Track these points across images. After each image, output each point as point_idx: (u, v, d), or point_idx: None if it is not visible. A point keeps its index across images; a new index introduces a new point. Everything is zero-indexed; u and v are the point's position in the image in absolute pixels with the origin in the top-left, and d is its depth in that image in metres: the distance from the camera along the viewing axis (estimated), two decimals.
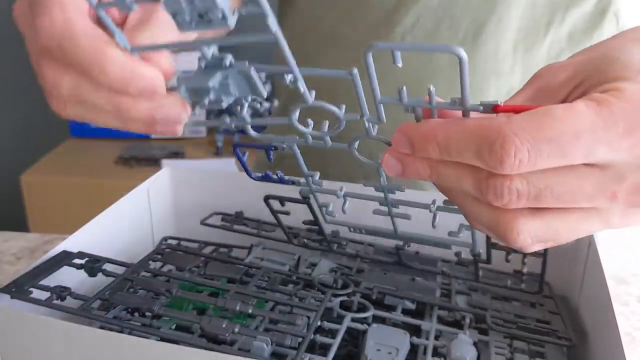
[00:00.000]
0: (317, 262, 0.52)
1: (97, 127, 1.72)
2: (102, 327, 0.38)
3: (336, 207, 0.44)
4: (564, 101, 0.32)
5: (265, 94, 0.34)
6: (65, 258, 0.44)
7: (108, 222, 0.51)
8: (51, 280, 0.41)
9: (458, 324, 0.45)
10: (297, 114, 0.36)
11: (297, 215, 0.52)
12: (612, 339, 0.37)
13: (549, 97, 0.32)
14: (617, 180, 0.29)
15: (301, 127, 0.37)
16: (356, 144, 0.38)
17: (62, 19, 0.32)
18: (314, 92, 0.34)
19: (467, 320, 0.44)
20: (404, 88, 0.32)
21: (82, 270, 0.43)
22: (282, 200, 0.48)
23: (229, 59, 0.32)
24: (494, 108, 0.31)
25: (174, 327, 0.39)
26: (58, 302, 0.39)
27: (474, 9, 0.66)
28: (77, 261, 0.44)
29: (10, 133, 2.04)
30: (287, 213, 0.49)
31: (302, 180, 0.43)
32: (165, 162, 1.61)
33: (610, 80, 0.29)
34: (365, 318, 0.43)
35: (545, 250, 0.42)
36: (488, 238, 0.43)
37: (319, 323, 0.41)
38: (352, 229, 0.47)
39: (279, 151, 0.41)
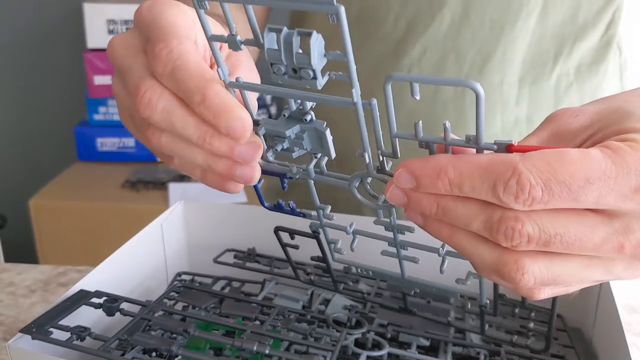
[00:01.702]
0: (330, 297, 0.52)
1: (103, 150, 1.75)
2: None
3: (345, 243, 0.44)
4: (578, 147, 0.32)
5: (333, 156, 0.36)
6: (83, 297, 0.44)
7: (124, 258, 0.51)
8: (70, 319, 0.41)
9: None
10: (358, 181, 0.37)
11: (307, 250, 0.52)
12: None
13: (564, 142, 0.33)
14: (625, 232, 0.29)
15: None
16: (357, 183, 0.38)
17: (179, 50, 0.35)
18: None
19: (482, 357, 0.45)
20: (420, 123, 0.32)
21: (100, 309, 0.44)
22: (291, 233, 0.48)
23: (310, 115, 0.34)
24: (507, 147, 0.31)
25: None
26: (78, 342, 0.39)
27: (480, 41, 0.67)
28: (95, 300, 0.44)
29: (18, 157, 2.06)
30: (296, 247, 0.49)
31: (313, 213, 0.43)
32: (172, 186, 1.62)
33: (626, 132, 0.30)
34: (380, 356, 0.44)
35: (554, 304, 0.42)
36: (495, 289, 0.43)
37: None
38: (359, 270, 0.46)
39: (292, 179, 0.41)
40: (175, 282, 0.53)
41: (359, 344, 0.45)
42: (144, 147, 1.79)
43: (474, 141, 0.31)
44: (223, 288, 0.55)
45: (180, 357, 0.39)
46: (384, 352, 0.44)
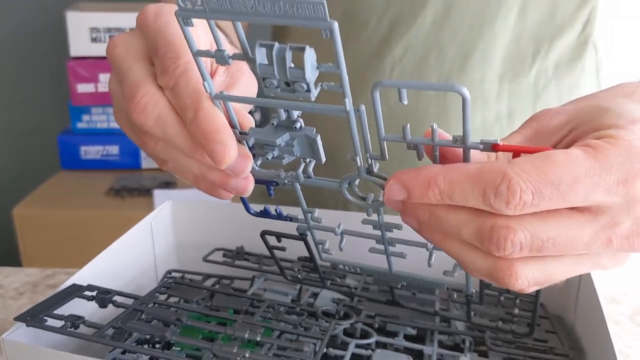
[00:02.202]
0: (319, 291, 0.53)
1: (87, 158, 1.75)
2: (114, 359, 0.40)
3: (333, 243, 0.45)
4: (557, 143, 0.34)
5: (324, 160, 0.37)
6: (75, 291, 0.45)
7: (113, 256, 0.52)
8: (63, 311, 0.42)
9: (458, 348, 0.46)
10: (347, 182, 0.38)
11: (296, 249, 0.52)
12: (608, 357, 0.39)
13: (545, 139, 0.34)
14: (612, 226, 0.30)
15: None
16: (346, 184, 0.38)
17: (185, 67, 0.36)
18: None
19: (467, 344, 0.46)
20: (408, 126, 0.33)
21: (93, 302, 0.44)
22: (278, 236, 0.48)
23: (299, 122, 0.35)
24: (493, 146, 0.32)
25: (184, 357, 0.40)
26: (72, 330, 0.40)
27: (460, 40, 0.68)
28: (88, 293, 0.45)
29: (1, 167, 2.04)
30: (282, 249, 0.50)
31: (300, 216, 0.44)
32: (157, 193, 1.62)
33: (603, 128, 0.31)
34: (369, 344, 0.45)
35: (537, 292, 0.43)
36: (481, 280, 0.44)
37: (325, 350, 0.42)
38: (347, 267, 0.47)
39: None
40: (166, 279, 0.54)
41: (347, 334, 0.46)
42: (128, 155, 1.79)
43: (460, 141, 0.32)
44: (213, 285, 0.56)
45: (175, 344, 0.39)
46: (372, 340, 0.45)
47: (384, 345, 0.45)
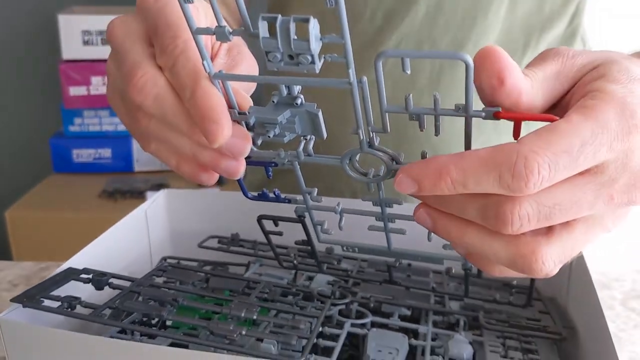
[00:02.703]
0: (314, 275, 0.53)
1: (79, 161, 1.74)
2: (112, 337, 0.40)
3: (331, 224, 0.45)
4: (576, 82, 0.34)
5: (325, 136, 0.37)
6: (71, 274, 0.45)
7: (108, 243, 0.52)
8: (59, 294, 0.42)
9: (453, 328, 0.47)
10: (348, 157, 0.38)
11: (293, 234, 0.52)
12: (601, 332, 0.40)
13: (564, 79, 0.34)
14: (611, 182, 0.31)
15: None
16: (348, 159, 0.39)
17: (184, 46, 0.36)
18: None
19: (462, 323, 0.46)
20: (410, 95, 0.33)
21: (89, 285, 0.44)
22: (275, 220, 0.48)
23: (300, 98, 0.35)
24: (495, 114, 0.32)
25: (181, 334, 0.40)
26: (69, 310, 0.40)
27: (453, 31, 0.69)
28: (84, 276, 0.45)
29: None
30: (279, 234, 0.50)
31: (299, 197, 0.44)
32: (150, 195, 1.61)
33: (607, 77, 0.32)
34: (364, 324, 0.45)
35: (532, 282, 0.44)
36: None
37: (320, 329, 0.42)
38: (345, 248, 0.47)
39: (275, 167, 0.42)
40: (162, 264, 0.54)
41: (343, 315, 0.46)
42: (120, 158, 1.79)
43: (463, 109, 0.33)
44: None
45: (171, 323, 0.40)
46: (367, 320, 0.45)
47: (379, 326, 0.46)
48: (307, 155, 0.39)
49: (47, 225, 1.53)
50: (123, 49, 0.39)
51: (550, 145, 0.30)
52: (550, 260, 0.32)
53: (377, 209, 0.42)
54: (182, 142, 0.39)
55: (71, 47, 1.67)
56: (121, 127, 1.77)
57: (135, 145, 1.77)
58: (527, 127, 0.32)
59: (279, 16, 0.30)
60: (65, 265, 0.46)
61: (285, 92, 0.35)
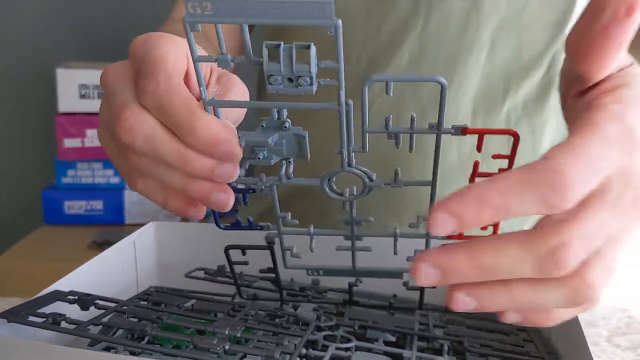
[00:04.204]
0: (299, 304, 0.53)
1: (71, 213, 1.75)
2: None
3: (301, 248, 0.46)
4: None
5: (309, 157, 0.39)
6: (57, 295, 0.45)
7: (95, 271, 0.52)
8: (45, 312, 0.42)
9: (437, 353, 0.47)
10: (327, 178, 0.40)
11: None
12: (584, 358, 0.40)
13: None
14: (620, 198, 0.32)
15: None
16: (327, 180, 0.40)
17: (167, 85, 0.37)
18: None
19: (446, 348, 0.46)
20: (390, 116, 0.36)
21: (74, 306, 0.45)
22: (242, 249, 0.49)
23: (288, 122, 0.37)
24: (462, 130, 0.36)
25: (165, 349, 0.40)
26: (54, 326, 0.40)
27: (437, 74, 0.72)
28: (70, 297, 0.45)
29: None
30: (245, 263, 0.50)
31: (272, 225, 0.45)
32: None
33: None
34: (348, 348, 0.45)
35: None
36: None
37: (304, 351, 0.42)
38: (309, 272, 0.47)
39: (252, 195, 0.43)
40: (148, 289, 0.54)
41: (327, 340, 0.46)
42: (111, 210, 1.79)
43: (435, 127, 0.35)
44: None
45: (155, 339, 0.40)
46: (351, 344, 0.45)
47: (363, 350, 0.46)
48: (288, 179, 0.40)
49: (36, 274, 1.52)
50: (112, 90, 0.40)
51: (578, 158, 0.30)
52: (597, 283, 0.31)
53: (347, 230, 0.44)
54: (172, 176, 0.39)
55: (68, 100, 1.70)
56: (113, 180, 1.78)
57: (127, 198, 1.79)
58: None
59: (282, 43, 0.33)
60: (51, 288, 0.47)
61: (276, 117, 0.38)
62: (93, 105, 1.70)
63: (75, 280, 0.49)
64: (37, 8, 1.90)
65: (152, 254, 0.61)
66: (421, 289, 0.47)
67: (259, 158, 0.39)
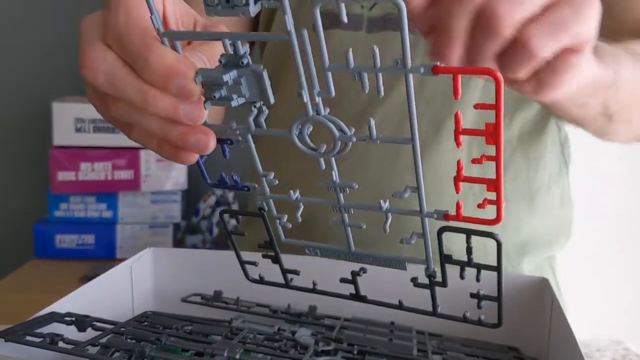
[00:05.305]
0: (296, 329, 0.53)
1: (62, 247, 1.74)
2: None
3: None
4: None
5: (272, 101, 0.37)
6: (54, 316, 0.45)
7: (91, 295, 0.52)
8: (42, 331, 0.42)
9: None
10: (298, 128, 0.38)
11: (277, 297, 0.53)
12: None
13: None
14: None
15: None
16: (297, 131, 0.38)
17: (125, 17, 0.37)
18: None
19: None
20: (350, 50, 0.33)
21: (71, 327, 0.44)
22: (236, 214, 0.47)
23: (247, 58, 0.36)
24: (433, 69, 0.34)
25: None
26: (51, 345, 0.40)
27: (433, 110, 0.73)
28: (67, 319, 0.45)
29: None
30: (242, 234, 0.49)
31: (258, 186, 0.43)
32: None
33: None
34: None
35: (500, 293, 0.43)
36: (441, 253, 0.41)
37: None
38: (308, 250, 0.46)
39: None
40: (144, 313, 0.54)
41: None
42: (103, 245, 1.78)
43: (401, 64, 0.34)
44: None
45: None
46: None
47: None
48: (258, 127, 0.39)
49: (26, 307, 1.50)
50: (83, 35, 0.40)
51: None
52: (542, 42, 0.36)
53: (334, 198, 0.42)
54: (149, 121, 0.39)
55: (63, 133, 1.70)
56: (106, 214, 1.78)
57: (119, 232, 1.78)
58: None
59: None
60: (48, 310, 0.46)
61: (230, 49, 0.36)
62: (88, 139, 1.70)
63: (71, 303, 0.49)
64: (35, 43, 1.92)
65: (148, 279, 0.61)
66: (431, 289, 0.43)
67: (214, 97, 0.37)
